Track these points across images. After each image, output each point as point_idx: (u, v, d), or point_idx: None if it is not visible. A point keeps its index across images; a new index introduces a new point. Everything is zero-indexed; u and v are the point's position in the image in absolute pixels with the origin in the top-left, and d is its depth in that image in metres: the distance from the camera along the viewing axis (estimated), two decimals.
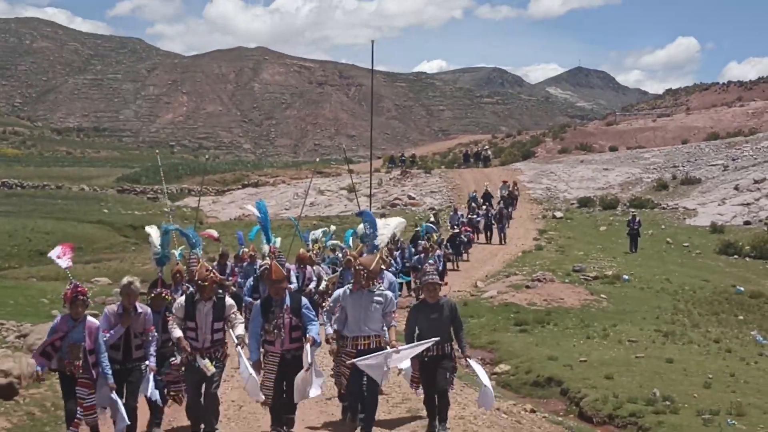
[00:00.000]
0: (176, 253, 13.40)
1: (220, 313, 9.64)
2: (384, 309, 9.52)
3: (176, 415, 10.77)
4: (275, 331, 9.54)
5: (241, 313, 11.41)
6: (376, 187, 58.41)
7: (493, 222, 37.76)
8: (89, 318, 9.25)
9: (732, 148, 60.13)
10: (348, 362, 9.41)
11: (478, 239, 36.75)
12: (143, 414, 9.94)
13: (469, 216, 37.79)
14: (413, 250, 24.91)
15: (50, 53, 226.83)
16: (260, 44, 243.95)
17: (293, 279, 15.62)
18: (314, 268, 17.65)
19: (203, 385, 9.58)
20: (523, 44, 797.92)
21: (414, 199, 54.20)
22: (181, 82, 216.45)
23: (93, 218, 49.83)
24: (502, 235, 37.50)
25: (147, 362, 9.64)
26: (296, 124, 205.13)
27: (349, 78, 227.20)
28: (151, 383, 9.61)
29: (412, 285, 23.60)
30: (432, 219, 34.49)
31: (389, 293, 9.80)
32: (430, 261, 18.87)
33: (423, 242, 24.24)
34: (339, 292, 10.12)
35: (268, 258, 14.07)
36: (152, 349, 9.70)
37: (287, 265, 13.77)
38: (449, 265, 29.11)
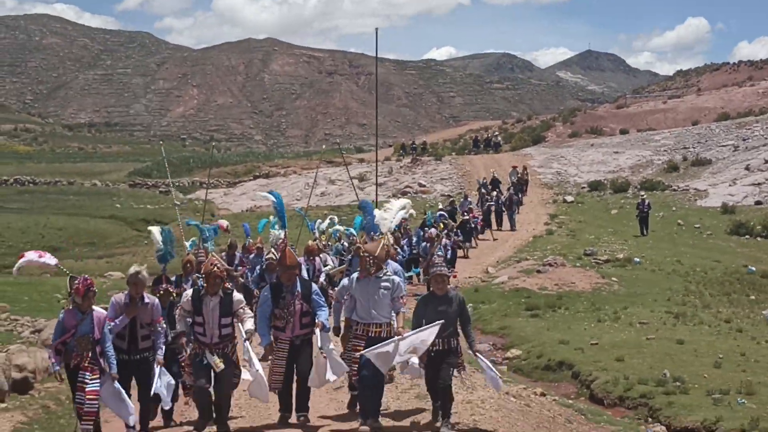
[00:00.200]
0: (187, 244, 13.53)
1: (228, 309, 9.48)
2: (392, 294, 9.56)
3: (189, 407, 10.82)
4: (286, 317, 9.62)
5: (251, 308, 11.47)
6: (386, 175, 58.46)
7: (503, 209, 37.74)
8: (96, 309, 9.26)
9: (742, 128, 59.81)
10: (356, 354, 9.41)
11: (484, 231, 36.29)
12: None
13: (485, 199, 37.50)
14: (422, 233, 24.74)
15: (60, 49, 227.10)
16: (269, 35, 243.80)
17: (303, 272, 15.72)
18: (321, 256, 17.72)
19: (214, 380, 9.46)
20: (532, 29, 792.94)
21: (424, 186, 54.17)
22: (191, 75, 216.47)
23: (105, 213, 50.21)
24: (513, 221, 37.49)
25: (157, 355, 9.62)
26: (306, 114, 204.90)
27: (359, 67, 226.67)
28: (158, 379, 9.53)
29: (422, 277, 23.49)
30: (448, 207, 34.25)
31: (396, 278, 9.80)
32: (439, 253, 18.73)
33: (429, 230, 24.20)
34: (345, 281, 10.17)
35: (273, 249, 14.22)
36: (160, 342, 9.67)
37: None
38: (459, 253, 29.13)
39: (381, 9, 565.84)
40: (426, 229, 24.68)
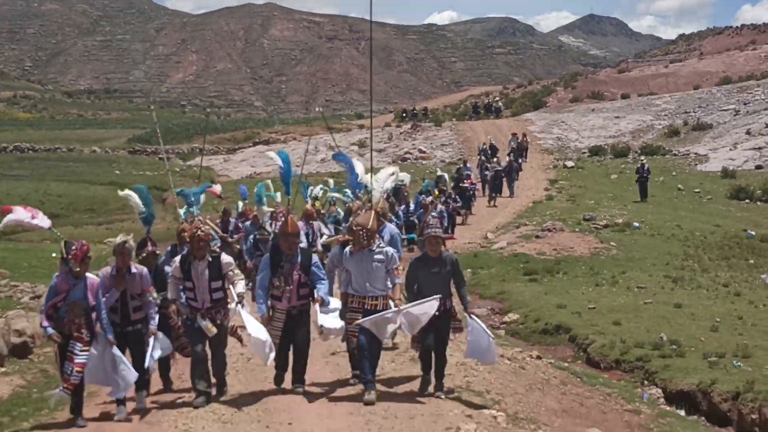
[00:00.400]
0: (181, 212, 13.48)
1: (217, 272, 9.41)
2: (387, 266, 9.55)
3: (186, 368, 10.84)
4: (284, 287, 9.56)
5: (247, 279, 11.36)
6: (386, 141, 58.32)
7: (503, 175, 37.58)
8: (89, 275, 9.09)
9: (744, 92, 59.64)
10: (353, 324, 9.42)
11: (483, 194, 36.26)
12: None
13: (485, 166, 37.36)
14: (420, 200, 24.67)
15: (59, 15, 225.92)
16: (268, 0, 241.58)
17: (302, 237, 15.57)
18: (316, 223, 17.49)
19: (208, 344, 9.46)
20: None
21: (425, 152, 54.06)
22: (190, 41, 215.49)
23: (105, 180, 50.13)
24: (512, 188, 37.39)
25: (150, 326, 9.47)
26: (307, 80, 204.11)
27: (359, 32, 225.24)
28: (152, 350, 9.40)
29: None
30: (455, 174, 34.05)
31: (390, 249, 9.78)
32: (434, 214, 18.66)
33: (423, 197, 24.12)
34: (335, 250, 10.16)
35: (269, 219, 14.13)
36: (152, 312, 9.50)
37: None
38: (458, 219, 29.11)
39: None
40: (423, 196, 24.66)
